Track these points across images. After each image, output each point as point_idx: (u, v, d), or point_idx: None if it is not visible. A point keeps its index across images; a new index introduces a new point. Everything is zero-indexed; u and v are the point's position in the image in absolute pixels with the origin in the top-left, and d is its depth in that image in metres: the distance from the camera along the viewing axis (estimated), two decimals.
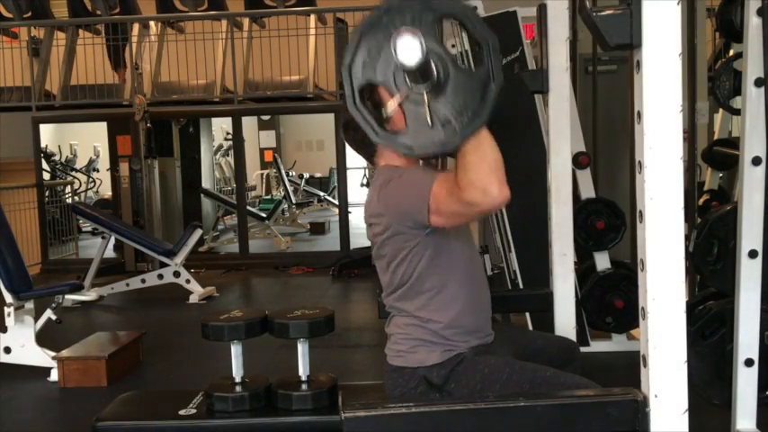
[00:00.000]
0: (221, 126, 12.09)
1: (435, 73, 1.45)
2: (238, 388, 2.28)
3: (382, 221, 1.94)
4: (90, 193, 11.61)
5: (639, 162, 1.42)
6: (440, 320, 1.93)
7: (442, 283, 1.93)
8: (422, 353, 1.93)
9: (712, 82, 3.37)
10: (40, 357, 3.99)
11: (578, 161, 3.83)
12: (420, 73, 1.41)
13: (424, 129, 1.47)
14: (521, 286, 3.90)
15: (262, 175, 13.74)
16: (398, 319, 2.00)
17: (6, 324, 4.03)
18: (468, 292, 1.97)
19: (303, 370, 2.32)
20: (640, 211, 1.44)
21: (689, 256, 2.37)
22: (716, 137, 4.18)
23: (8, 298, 4.02)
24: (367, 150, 2.05)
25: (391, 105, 1.49)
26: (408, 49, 1.34)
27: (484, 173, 1.54)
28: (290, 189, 11.45)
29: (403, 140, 1.49)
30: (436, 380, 1.91)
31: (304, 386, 2.28)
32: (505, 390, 1.84)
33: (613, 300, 3.91)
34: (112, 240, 6.42)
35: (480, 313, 2.02)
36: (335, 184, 9.86)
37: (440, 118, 1.47)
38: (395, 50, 1.35)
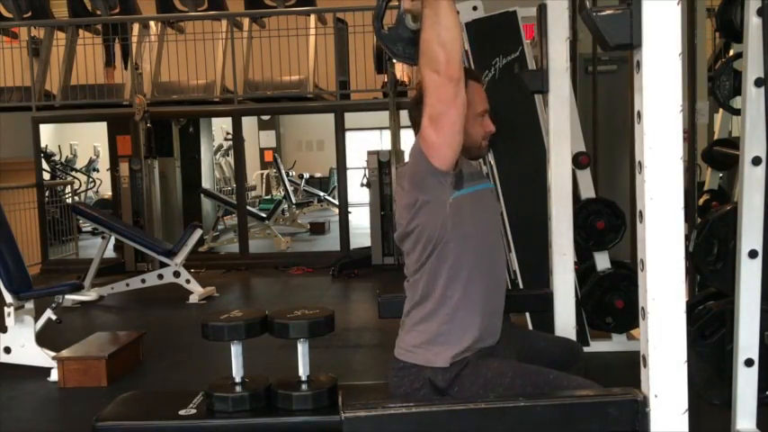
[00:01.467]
0: (221, 126, 12.09)
1: None
2: (238, 388, 2.27)
3: (409, 196, 1.95)
4: (90, 193, 11.61)
5: (639, 162, 1.42)
6: (458, 327, 1.93)
7: (465, 286, 1.93)
8: (431, 352, 1.93)
9: (712, 82, 3.37)
10: (40, 357, 3.99)
11: (578, 161, 3.83)
12: None
13: None
14: (521, 286, 3.91)
15: (262, 175, 13.75)
16: (417, 312, 1.99)
17: (6, 324, 4.03)
18: (490, 297, 1.98)
19: (303, 370, 2.31)
20: (640, 211, 1.44)
21: (689, 256, 2.36)
22: (716, 137, 4.18)
23: (8, 298, 4.02)
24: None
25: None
26: None
27: (435, 46, 1.74)
28: (290, 189, 11.45)
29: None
30: (441, 383, 1.91)
31: (304, 386, 2.28)
32: (508, 393, 1.84)
33: (613, 300, 3.91)
34: (112, 240, 6.42)
35: (496, 320, 2.02)
36: (335, 184, 9.86)
37: None
38: None
